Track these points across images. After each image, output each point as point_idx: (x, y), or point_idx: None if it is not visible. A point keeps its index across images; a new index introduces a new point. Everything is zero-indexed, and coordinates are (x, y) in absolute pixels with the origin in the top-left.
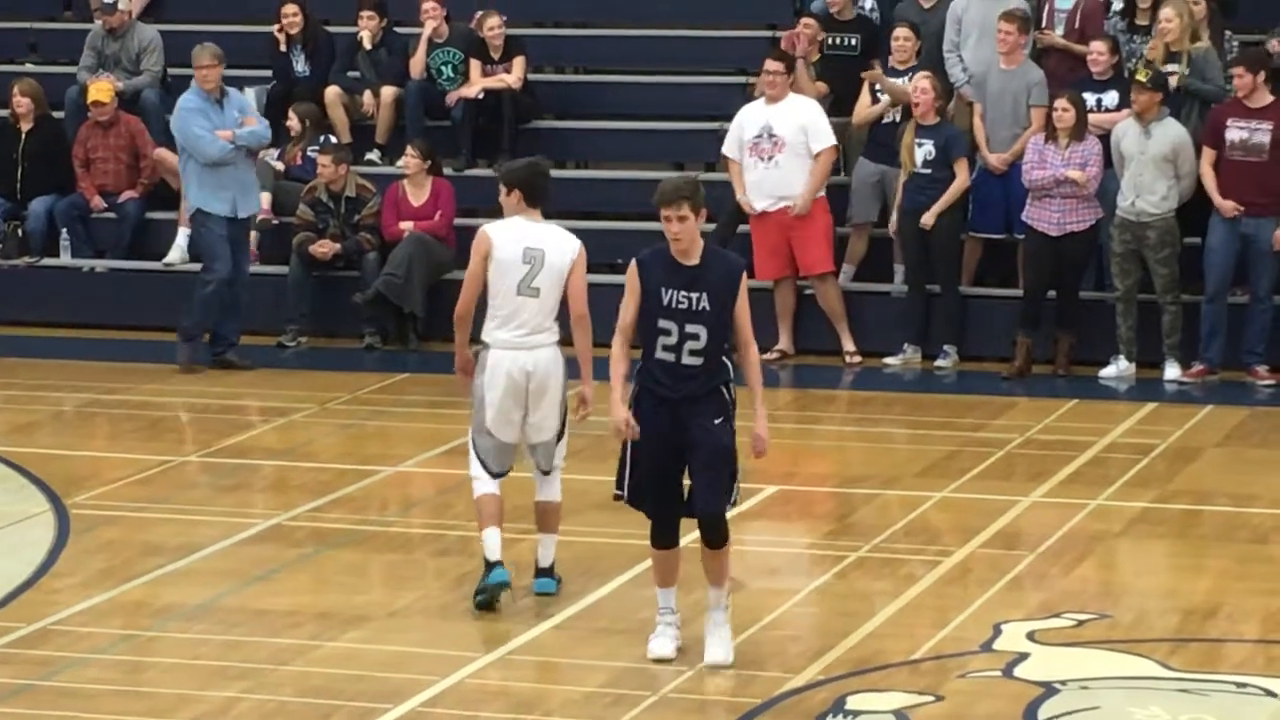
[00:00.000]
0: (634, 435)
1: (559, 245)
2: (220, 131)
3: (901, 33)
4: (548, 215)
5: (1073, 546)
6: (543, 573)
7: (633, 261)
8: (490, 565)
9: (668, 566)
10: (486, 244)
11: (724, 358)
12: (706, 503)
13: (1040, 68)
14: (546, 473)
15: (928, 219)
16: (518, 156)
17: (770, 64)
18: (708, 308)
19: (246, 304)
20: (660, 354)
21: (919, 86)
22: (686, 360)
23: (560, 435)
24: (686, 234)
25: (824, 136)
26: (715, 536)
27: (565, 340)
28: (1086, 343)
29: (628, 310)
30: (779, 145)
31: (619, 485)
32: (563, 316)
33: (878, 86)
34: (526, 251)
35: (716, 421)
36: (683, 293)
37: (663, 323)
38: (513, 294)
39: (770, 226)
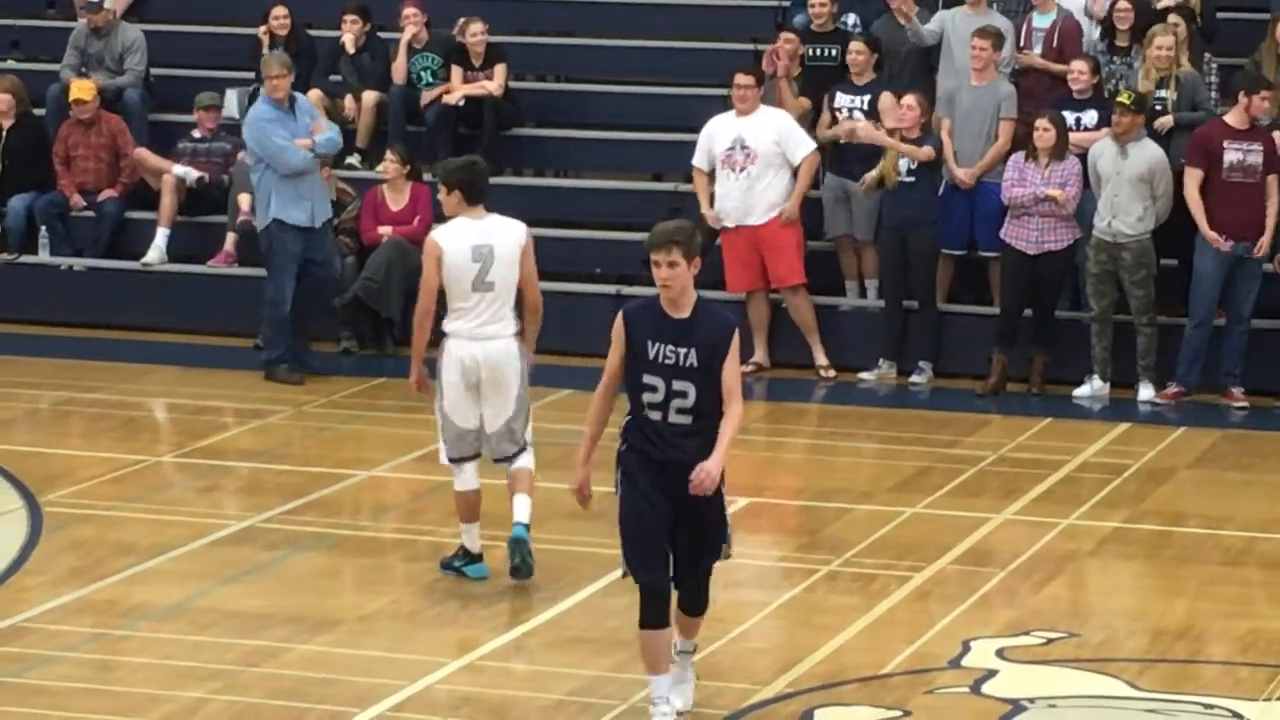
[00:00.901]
0: (585, 501)
1: (505, 236)
2: (299, 140)
3: (855, 46)
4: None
5: (1043, 565)
6: (520, 525)
7: (619, 313)
8: (477, 557)
9: (658, 649)
10: (437, 250)
11: (718, 420)
12: (691, 578)
13: (1015, 86)
14: (508, 459)
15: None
16: (500, 163)
17: (740, 78)
18: (695, 364)
19: (223, 307)
20: (646, 411)
21: (906, 104)
22: (674, 419)
23: (526, 421)
24: (677, 282)
25: (804, 144)
26: (697, 608)
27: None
28: (1061, 362)
29: (611, 363)
30: (751, 157)
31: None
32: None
33: (840, 110)
34: (475, 250)
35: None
36: (670, 347)
37: (648, 378)
38: (469, 292)
39: (740, 239)
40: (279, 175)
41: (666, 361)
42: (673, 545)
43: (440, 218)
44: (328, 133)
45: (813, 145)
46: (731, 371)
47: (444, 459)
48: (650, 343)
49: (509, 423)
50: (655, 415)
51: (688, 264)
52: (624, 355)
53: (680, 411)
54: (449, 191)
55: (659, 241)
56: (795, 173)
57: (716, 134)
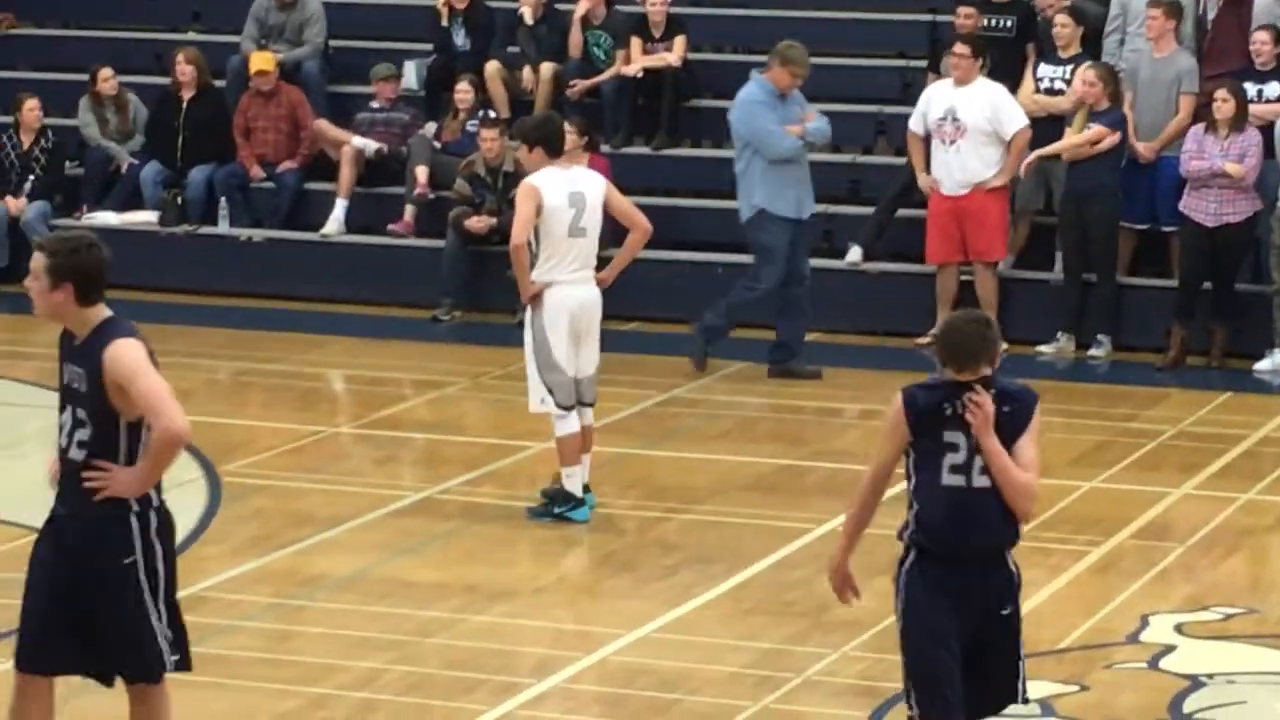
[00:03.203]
0: (849, 599)
1: (592, 184)
2: (789, 127)
3: (1060, 19)
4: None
5: (1222, 540)
6: (586, 488)
7: (897, 397)
8: (580, 501)
9: None
10: (537, 194)
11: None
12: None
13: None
14: (590, 404)
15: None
16: (678, 135)
17: (959, 47)
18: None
19: (401, 278)
20: (948, 478)
21: (1085, 79)
22: (978, 481)
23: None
24: (986, 404)
25: (1017, 118)
26: None
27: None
28: (1242, 335)
29: (884, 454)
30: (961, 130)
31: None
32: None
33: (1041, 78)
34: (571, 196)
35: (1005, 611)
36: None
37: (948, 435)
38: (565, 237)
39: (944, 210)
40: (766, 162)
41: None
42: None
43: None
44: (819, 121)
45: (1025, 121)
46: (1028, 448)
47: (548, 407)
48: (944, 433)
49: (596, 369)
50: (958, 480)
51: (992, 368)
52: (904, 445)
53: (982, 471)
54: (530, 149)
55: (965, 360)
56: (1008, 147)
57: (933, 101)
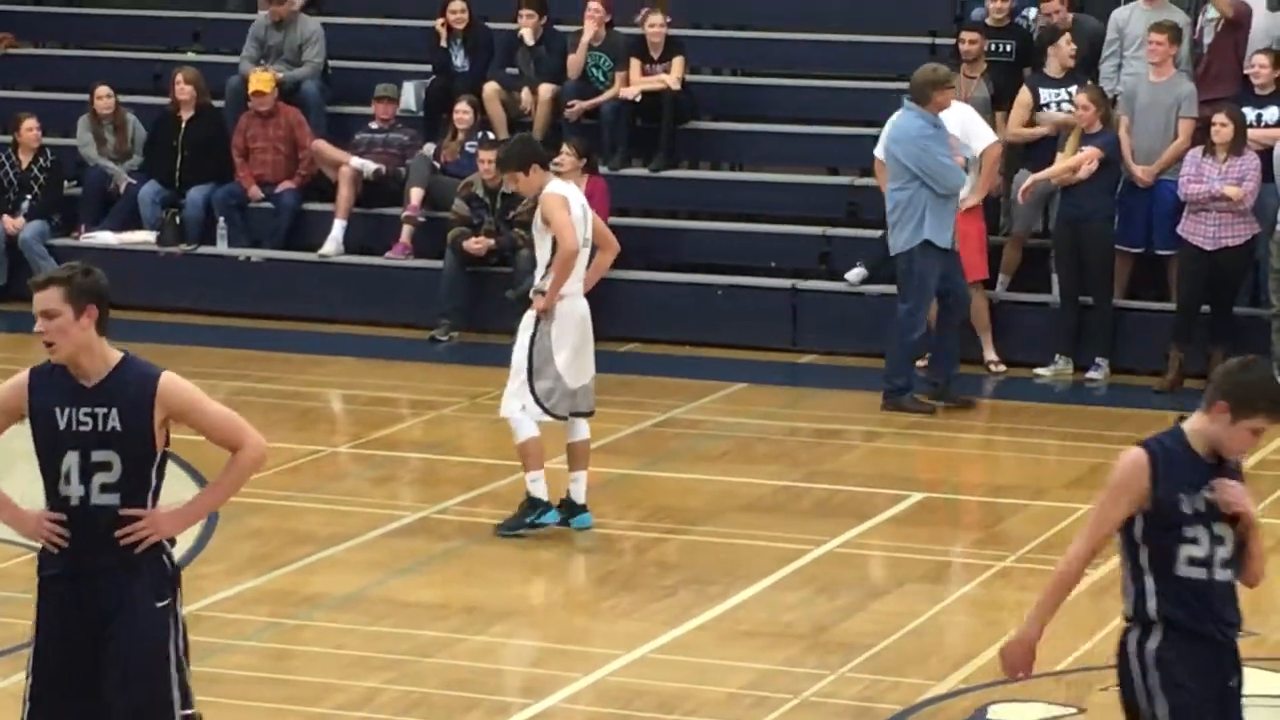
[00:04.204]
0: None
1: (585, 199)
2: (957, 158)
3: (1066, 39)
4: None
5: None
6: (582, 509)
7: (1136, 453)
8: (548, 505)
9: None
10: (567, 203)
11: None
12: None
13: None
14: (588, 414)
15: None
16: (676, 157)
17: None
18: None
19: (399, 298)
20: (1185, 570)
21: (1079, 103)
22: (1219, 574)
23: None
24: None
25: (985, 134)
26: None
27: None
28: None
29: (1108, 518)
30: None
31: None
32: None
33: (1044, 101)
34: (583, 208)
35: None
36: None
37: (1188, 530)
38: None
39: None
40: (934, 195)
41: (1199, 510)
42: None
43: (615, 211)
44: (969, 148)
45: (994, 137)
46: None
47: (533, 414)
48: (1185, 495)
49: (593, 378)
50: (1199, 574)
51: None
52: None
53: (1224, 565)
54: (525, 170)
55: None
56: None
57: None
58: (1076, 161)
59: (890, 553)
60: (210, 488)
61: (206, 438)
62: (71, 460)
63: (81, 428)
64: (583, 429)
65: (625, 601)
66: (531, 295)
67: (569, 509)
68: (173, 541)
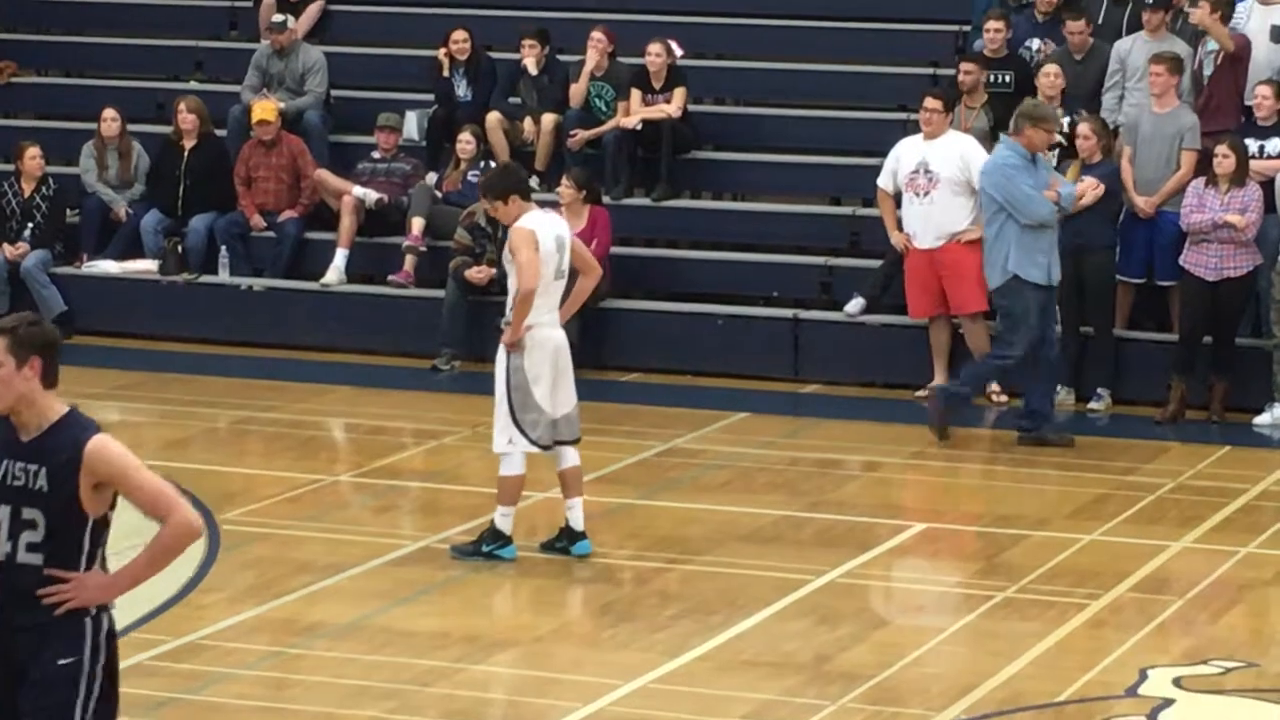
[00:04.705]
0: None
1: (565, 228)
2: (1046, 191)
3: (1051, 69)
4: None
5: (1222, 593)
6: (581, 535)
7: None
8: (509, 540)
9: None
10: (534, 238)
11: None
12: None
13: (1194, 112)
14: (575, 441)
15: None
16: (677, 186)
17: (929, 101)
18: None
19: (400, 327)
20: None
21: (1080, 133)
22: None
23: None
24: None
25: None
26: None
27: None
28: (1241, 389)
29: None
30: (934, 182)
31: None
32: None
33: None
34: (558, 239)
35: None
36: None
37: None
38: (551, 280)
39: (921, 263)
40: (1020, 227)
41: None
42: None
43: (617, 241)
44: (1067, 185)
45: None
46: None
47: (516, 447)
48: None
49: (575, 406)
50: None
51: None
52: None
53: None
54: (505, 200)
55: None
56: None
57: (903, 156)
58: (1078, 192)
59: (892, 583)
60: (132, 562)
61: (136, 508)
62: (4, 513)
63: (15, 482)
64: (571, 456)
65: (625, 631)
66: (501, 327)
67: (568, 536)
68: (105, 616)
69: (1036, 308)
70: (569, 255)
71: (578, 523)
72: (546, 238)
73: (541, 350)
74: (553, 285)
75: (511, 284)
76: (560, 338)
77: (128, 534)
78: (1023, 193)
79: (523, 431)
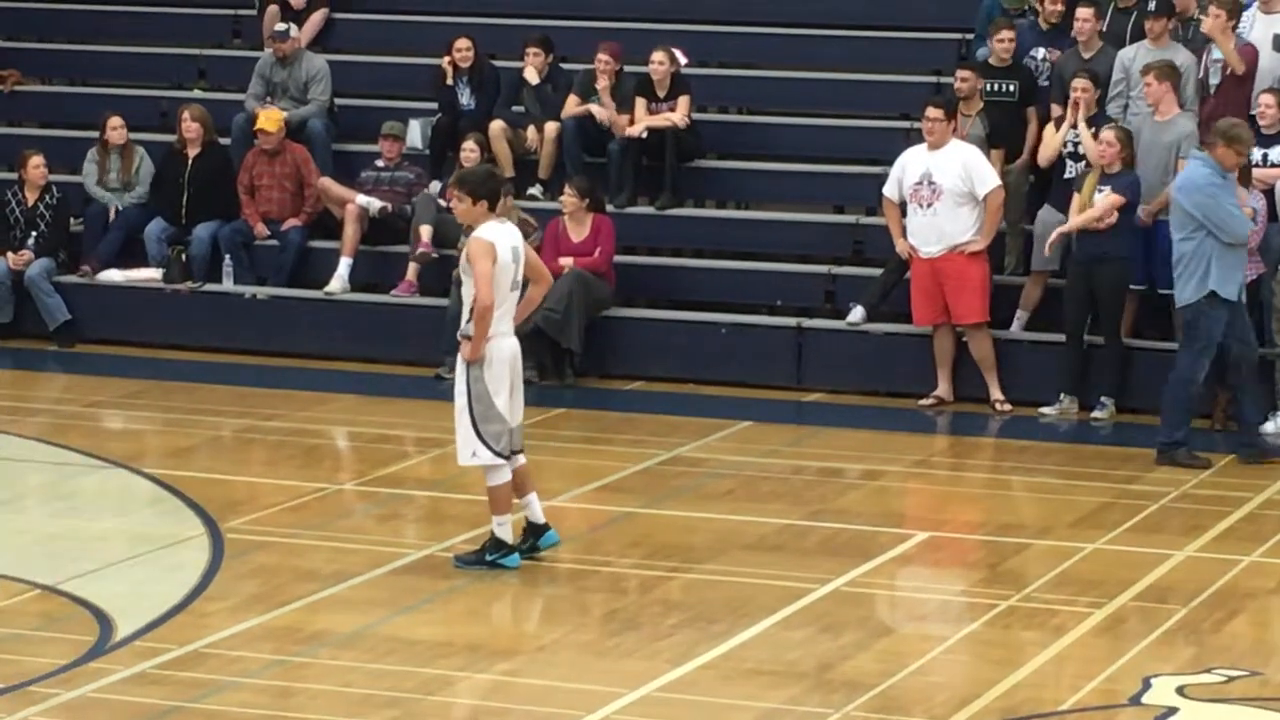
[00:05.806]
0: None
1: (519, 238)
2: (1245, 209)
3: (1080, 84)
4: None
5: (1225, 602)
6: (545, 527)
7: None
8: (512, 548)
9: None
10: (493, 250)
11: None
12: None
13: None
14: (521, 450)
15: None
16: (681, 195)
17: (931, 110)
18: None
19: (404, 336)
20: None
21: (1104, 140)
22: None
23: None
24: None
25: (989, 178)
26: None
27: None
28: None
29: None
30: (937, 193)
31: None
32: None
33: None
34: (514, 250)
35: None
36: None
37: None
38: (508, 291)
39: (925, 272)
40: (1221, 244)
41: None
42: None
43: (621, 249)
44: (1253, 200)
45: (997, 182)
46: None
47: (480, 460)
48: None
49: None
50: None
51: None
52: None
53: None
54: (475, 201)
55: None
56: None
57: (908, 166)
58: (1100, 212)
59: (895, 591)
60: None
61: None
62: None
63: None
64: (519, 458)
65: (629, 640)
66: (460, 339)
67: (533, 533)
68: None
69: (1223, 324)
70: (522, 266)
71: (538, 516)
72: (504, 249)
73: (501, 361)
74: (509, 296)
75: (467, 292)
76: (515, 345)
77: (130, 540)
78: (1227, 212)
79: (485, 443)
